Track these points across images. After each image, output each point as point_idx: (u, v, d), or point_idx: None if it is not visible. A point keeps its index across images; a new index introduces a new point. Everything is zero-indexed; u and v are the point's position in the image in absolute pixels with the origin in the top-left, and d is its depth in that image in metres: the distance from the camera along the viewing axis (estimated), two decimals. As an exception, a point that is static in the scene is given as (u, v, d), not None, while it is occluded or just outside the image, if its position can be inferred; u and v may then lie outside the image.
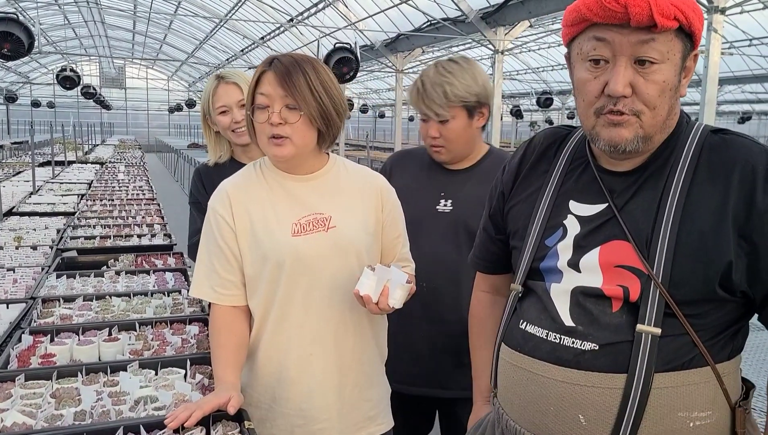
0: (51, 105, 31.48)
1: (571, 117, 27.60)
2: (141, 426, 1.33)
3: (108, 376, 1.62)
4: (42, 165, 9.08)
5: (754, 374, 4.16)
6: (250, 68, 16.39)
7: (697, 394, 1.10)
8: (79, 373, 1.62)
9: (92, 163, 10.10)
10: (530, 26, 12.88)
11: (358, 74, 10.95)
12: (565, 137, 1.33)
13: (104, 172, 7.83)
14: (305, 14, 15.25)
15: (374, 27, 15.62)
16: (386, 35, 15.30)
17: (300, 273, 1.52)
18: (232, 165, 2.17)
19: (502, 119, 15.44)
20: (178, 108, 33.73)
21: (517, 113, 23.78)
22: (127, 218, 4.17)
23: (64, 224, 3.96)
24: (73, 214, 4.38)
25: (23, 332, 1.86)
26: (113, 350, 1.81)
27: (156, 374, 1.65)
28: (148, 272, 2.67)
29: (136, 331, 1.94)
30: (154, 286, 2.48)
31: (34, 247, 3.20)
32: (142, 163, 9.83)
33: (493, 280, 1.50)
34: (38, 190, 5.92)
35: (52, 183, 6.48)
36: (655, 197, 1.15)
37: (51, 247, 3.21)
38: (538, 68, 22.62)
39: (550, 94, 19.84)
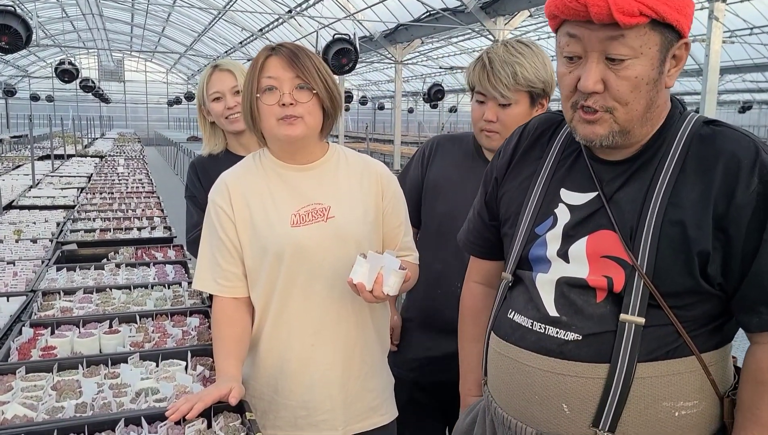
0: (50, 98, 31.39)
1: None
2: (142, 418, 1.33)
3: (109, 369, 1.61)
4: (41, 158, 9.06)
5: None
6: (248, 60, 16.32)
7: (682, 384, 1.11)
8: (79, 366, 1.61)
9: (92, 156, 10.08)
10: (530, 16, 12.79)
11: (357, 66, 10.91)
12: (560, 123, 1.32)
13: (104, 166, 7.80)
14: (304, 5, 15.15)
15: (373, 18, 15.56)
16: (385, 26, 15.23)
17: (300, 264, 1.52)
18: (227, 156, 2.18)
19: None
20: (177, 101, 33.68)
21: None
22: (127, 211, 4.15)
23: (64, 217, 3.95)
24: (73, 207, 4.36)
25: (24, 325, 1.85)
26: (114, 342, 1.80)
27: (157, 366, 1.64)
28: (148, 265, 2.67)
29: (136, 323, 1.94)
30: (154, 279, 2.48)
31: (34, 241, 3.19)
32: (141, 157, 9.80)
33: (486, 268, 1.47)
34: (38, 183, 5.90)
35: (52, 176, 6.46)
36: (643, 188, 1.14)
37: (51, 240, 3.20)
38: (538, 58, 22.52)
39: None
